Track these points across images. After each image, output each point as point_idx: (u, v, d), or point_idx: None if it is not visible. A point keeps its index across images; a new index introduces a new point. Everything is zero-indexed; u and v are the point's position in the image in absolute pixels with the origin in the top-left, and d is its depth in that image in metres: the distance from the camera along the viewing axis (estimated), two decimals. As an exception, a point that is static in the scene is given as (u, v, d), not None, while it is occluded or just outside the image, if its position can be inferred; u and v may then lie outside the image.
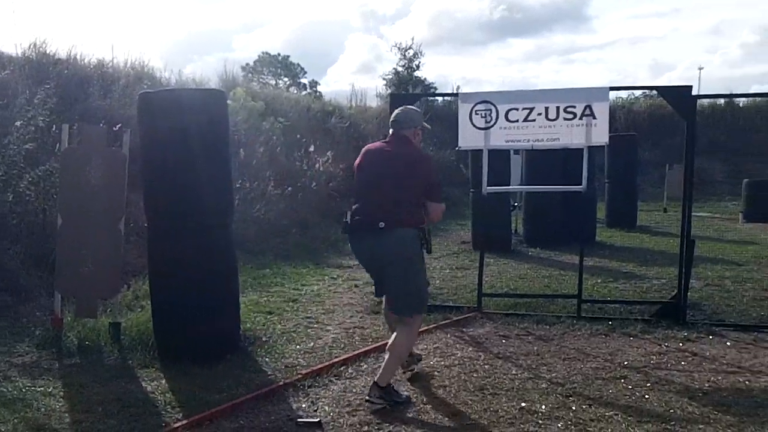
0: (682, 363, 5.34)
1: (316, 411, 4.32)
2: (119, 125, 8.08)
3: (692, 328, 6.25)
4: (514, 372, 5.10)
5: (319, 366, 5.13)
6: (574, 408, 4.36)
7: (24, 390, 4.63)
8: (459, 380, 4.92)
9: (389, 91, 25.52)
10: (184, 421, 4.11)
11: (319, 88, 37.74)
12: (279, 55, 47.72)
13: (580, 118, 6.44)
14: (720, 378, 4.97)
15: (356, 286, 8.44)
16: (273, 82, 40.16)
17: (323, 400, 4.51)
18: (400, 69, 30.47)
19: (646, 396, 4.59)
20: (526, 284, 8.43)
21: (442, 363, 5.32)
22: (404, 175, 4.63)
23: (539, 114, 6.54)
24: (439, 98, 25.30)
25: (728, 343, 5.85)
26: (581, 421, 4.15)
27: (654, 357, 5.48)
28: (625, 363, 5.32)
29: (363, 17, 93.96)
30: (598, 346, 5.79)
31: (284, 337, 5.99)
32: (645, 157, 21.63)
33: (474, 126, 6.68)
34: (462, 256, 10.84)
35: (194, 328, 5.17)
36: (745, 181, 16.98)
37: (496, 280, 8.55)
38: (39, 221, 7.90)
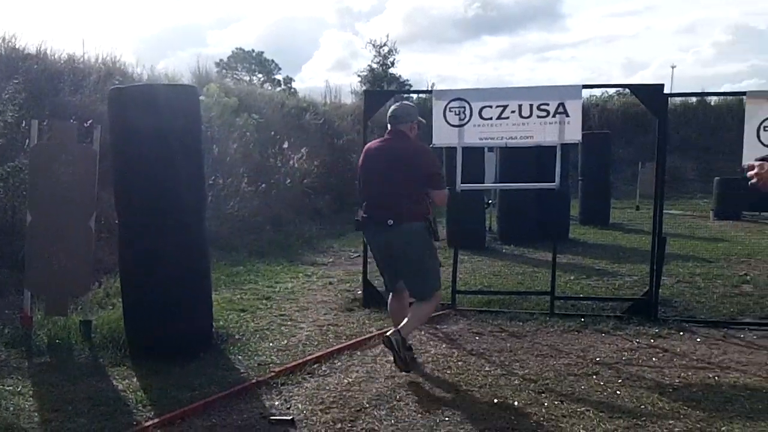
0: (653, 359, 5.39)
1: (289, 409, 4.30)
2: (90, 121, 8.00)
3: (663, 324, 6.32)
4: (487, 368, 5.12)
5: (293, 364, 5.11)
6: (546, 404, 4.38)
7: (-8, 389, 4.56)
8: (433, 377, 4.93)
9: (364, 88, 25.55)
10: (156, 420, 4.07)
11: (293, 85, 37.68)
12: (253, 51, 47.47)
13: (554, 116, 6.48)
14: (690, 374, 5.03)
15: (330, 283, 8.42)
16: (247, 78, 39.92)
17: (296, 397, 4.50)
18: (374, 66, 30.57)
19: (618, 392, 4.63)
20: (499, 281, 8.46)
21: (417, 359, 5.32)
22: (404, 169, 4.93)
23: (513, 112, 6.56)
24: (414, 95, 25.31)
25: (698, 340, 5.92)
26: (553, 416, 4.18)
27: (625, 353, 5.53)
28: (597, 359, 5.36)
29: (338, 14, 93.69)
30: (570, 343, 5.83)
31: (257, 335, 5.96)
32: (618, 154, 21.85)
33: (448, 123, 6.69)
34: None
35: (166, 326, 5.13)
36: (716, 179, 17.18)
37: (470, 278, 8.58)
38: (8, 218, 7.80)
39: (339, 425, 4.05)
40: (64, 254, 5.68)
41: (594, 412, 4.24)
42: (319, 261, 10.14)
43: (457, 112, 6.65)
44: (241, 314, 6.70)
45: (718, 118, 25.82)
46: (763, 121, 6.07)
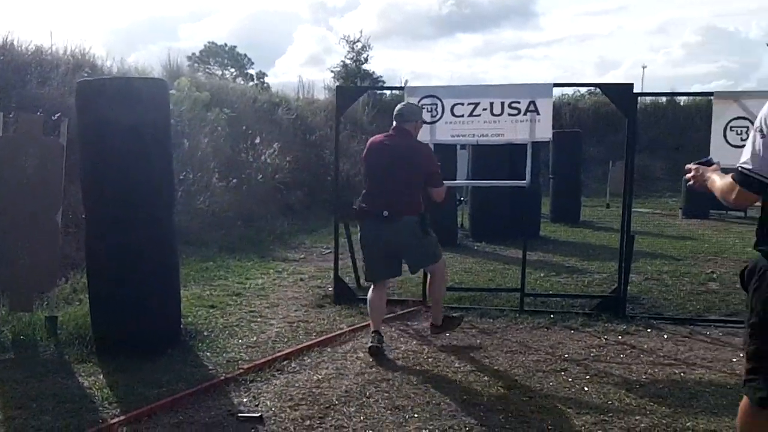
0: (621, 356, 5.45)
1: (257, 406, 4.28)
2: (58, 114, 7.88)
3: (631, 321, 6.38)
4: (457, 365, 5.14)
5: (262, 360, 5.08)
6: (515, 400, 4.41)
7: (-46, 386, 4.47)
8: (403, 373, 4.93)
9: (337, 83, 25.45)
10: (122, 417, 4.02)
11: (267, 80, 37.26)
12: (226, 45, 47.08)
13: (524, 114, 6.51)
14: (657, 370, 5.09)
15: (301, 279, 8.39)
16: (219, 72, 39.64)
17: (265, 394, 4.47)
18: (348, 62, 30.41)
19: (586, 388, 4.67)
20: (470, 278, 8.49)
21: (387, 356, 5.32)
22: (406, 166, 5.27)
23: (484, 109, 6.58)
24: (387, 92, 25.28)
25: (665, 336, 5.99)
26: (522, 413, 4.20)
27: (594, 350, 5.58)
28: (566, 356, 5.41)
29: (312, 9, 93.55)
30: (539, 339, 5.87)
31: (226, 332, 5.92)
32: (589, 153, 22.00)
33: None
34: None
35: (134, 322, 5.07)
36: (685, 178, 17.33)
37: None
38: (-28, 212, 7.65)
39: (308, 422, 4.03)
40: (30, 249, 5.60)
41: (562, 408, 4.28)
42: (291, 257, 10.10)
43: (429, 109, 6.65)
44: (211, 310, 6.65)
45: (687, 118, 26.10)
46: (730, 121, 6.16)
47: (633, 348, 5.64)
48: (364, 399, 4.41)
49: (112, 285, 5.14)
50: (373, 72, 30.87)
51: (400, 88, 8.17)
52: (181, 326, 5.71)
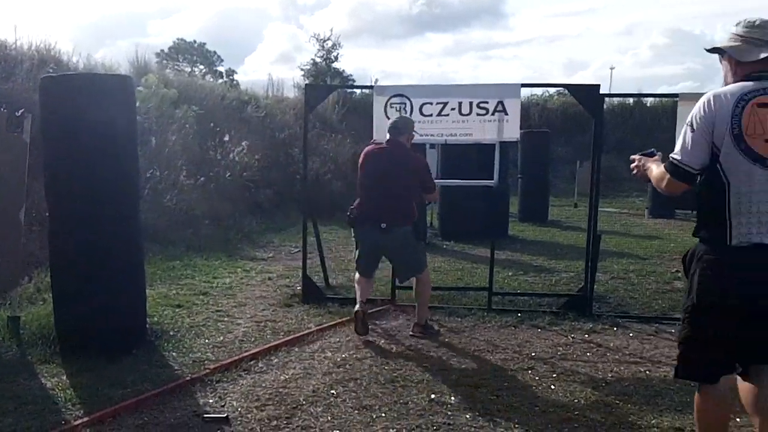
0: (588, 354, 5.50)
1: (223, 406, 4.24)
2: (22, 110, 7.72)
3: (598, 320, 6.44)
4: (425, 364, 5.14)
5: (228, 360, 5.05)
6: (482, 399, 4.42)
7: None
8: (370, 373, 4.92)
9: (307, 82, 25.37)
10: (85, 419, 3.97)
11: (236, 77, 37.07)
12: (195, 42, 46.65)
13: (493, 114, 6.54)
14: (623, 368, 5.14)
15: (270, 278, 8.35)
16: (188, 69, 39.23)
17: (231, 395, 4.44)
18: (318, 60, 30.38)
19: (552, 386, 4.70)
20: (439, 277, 8.49)
21: (355, 355, 5.32)
22: (403, 173, 5.68)
23: (453, 109, 6.60)
24: (357, 91, 25.27)
25: (631, 335, 6.05)
26: (489, 411, 4.21)
27: (560, 348, 5.62)
28: (533, 354, 5.44)
29: (282, 6, 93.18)
30: (507, 338, 5.90)
31: (193, 331, 5.87)
32: (557, 153, 22.21)
33: (389, 119, 6.68)
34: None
35: (98, 322, 4.99)
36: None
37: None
38: (-68, 209, 7.48)
39: (274, 422, 4.01)
40: (-9, 248, 5.50)
41: (529, 407, 4.30)
42: (259, 256, 10.04)
43: (398, 108, 6.66)
44: (177, 310, 6.58)
45: (653, 119, 26.39)
46: (694, 122, 6.21)
47: (599, 346, 5.70)
48: (331, 399, 4.40)
49: (77, 283, 5.06)
50: (344, 70, 30.92)
51: (370, 87, 8.16)
52: (147, 326, 5.65)
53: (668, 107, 25.25)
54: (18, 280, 5.96)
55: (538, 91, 29.22)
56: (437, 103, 6.63)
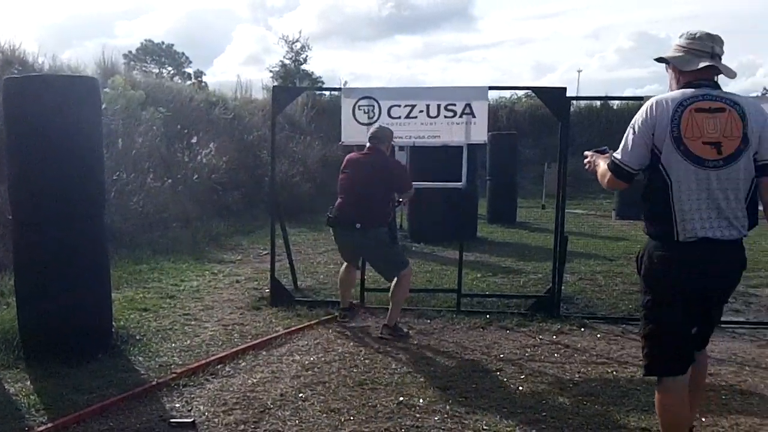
0: (555, 355, 5.53)
1: (190, 411, 4.20)
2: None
3: (565, 321, 6.49)
4: (393, 366, 5.14)
5: (195, 364, 5.00)
6: (450, 401, 4.43)
7: None
8: (339, 376, 4.91)
9: (276, 83, 25.25)
10: (50, 424, 3.91)
11: (205, 79, 36.72)
12: (163, 43, 46.34)
13: (460, 116, 6.57)
14: (590, 369, 5.19)
15: (238, 281, 8.28)
16: (156, 70, 38.88)
17: (198, 399, 4.39)
18: (287, 62, 30.24)
19: (521, 387, 4.73)
20: (408, 279, 8.50)
21: (323, 358, 5.30)
22: (385, 176, 5.98)
23: (421, 111, 6.62)
24: (327, 93, 25.18)
25: (598, 335, 6.10)
26: (457, 413, 4.22)
27: (528, 349, 5.65)
28: (501, 356, 5.46)
29: (251, 8, 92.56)
30: (475, 340, 5.92)
31: (159, 335, 5.80)
32: (525, 155, 22.37)
33: (357, 121, 6.69)
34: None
35: (63, 326, 4.93)
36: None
37: (379, 276, 8.55)
38: None
39: (242, 427, 3.98)
40: (-49, 252, 5.38)
41: (497, 408, 4.31)
42: (227, 258, 9.96)
43: (366, 111, 6.66)
44: (143, 313, 6.50)
45: (620, 122, 26.59)
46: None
47: (567, 347, 5.74)
48: (299, 402, 4.38)
49: (43, 282, 4.98)
50: (313, 72, 30.83)
51: (338, 89, 8.14)
52: (113, 330, 5.57)
53: (634, 109, 24.98)
54: (-21, 284, 5.84)
55: (506, 93, 29.35)
56: (405, 106, 6.64)
